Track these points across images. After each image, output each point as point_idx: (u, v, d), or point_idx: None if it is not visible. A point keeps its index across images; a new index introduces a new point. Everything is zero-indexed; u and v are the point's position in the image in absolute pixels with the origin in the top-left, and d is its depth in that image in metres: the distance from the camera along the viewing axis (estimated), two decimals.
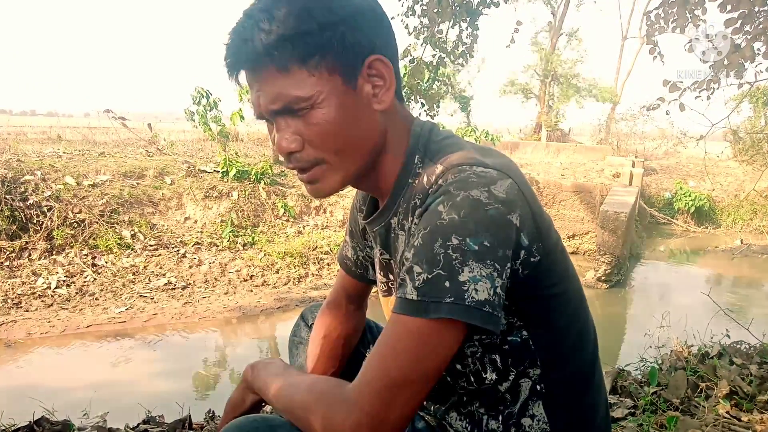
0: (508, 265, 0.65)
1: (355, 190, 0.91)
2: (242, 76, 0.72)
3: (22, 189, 5.87)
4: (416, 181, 0.76)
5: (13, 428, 1.66)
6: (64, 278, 5.35)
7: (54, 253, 5.64)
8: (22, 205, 5.72)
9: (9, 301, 4.89)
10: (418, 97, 5.01)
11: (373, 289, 1.06)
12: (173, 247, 6.20)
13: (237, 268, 6.09)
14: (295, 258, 6.38)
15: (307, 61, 0.68)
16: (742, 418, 1.70)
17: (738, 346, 2.37)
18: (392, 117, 0.77)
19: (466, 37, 4.00)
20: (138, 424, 1.80)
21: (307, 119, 0.70)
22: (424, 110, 5.38)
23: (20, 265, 5.39)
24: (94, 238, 5.87)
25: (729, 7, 2.69)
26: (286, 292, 5.76)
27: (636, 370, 2.30)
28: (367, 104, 0.72)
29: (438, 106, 5.43)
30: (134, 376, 3.91)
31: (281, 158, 0.77)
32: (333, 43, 0.68)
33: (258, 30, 0.67)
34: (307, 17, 0.67)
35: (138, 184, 6.75)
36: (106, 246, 5.84)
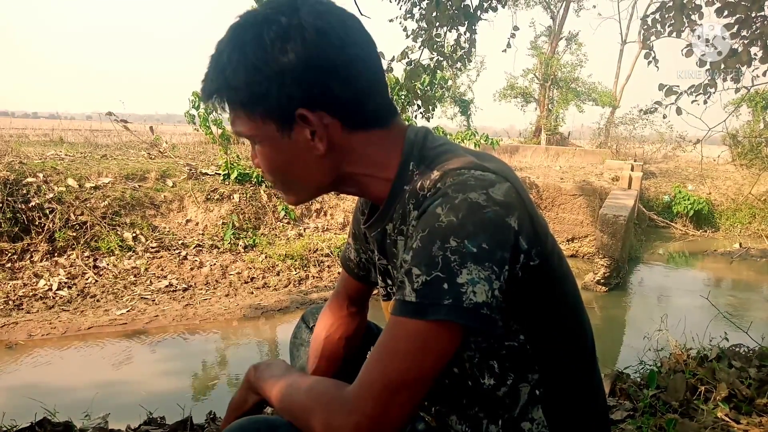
0: (506, 267, 0.66)
1: None
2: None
3: (24, 191, 5.88)
4: (411, 187, 0.76)
5: (14, 429, 1.67)
6: (66, 280, 5.35)
7: (55, 255, 5.64)
8: (24, 207, 5.72)
9: (10, 302, 4.89)
10: (414, 99, 5.02)
11: (374, 291, 1.07)
12: (174, 249, 6.20)
13: (238, 270, 6.10)
14: (295, 260, 6.38)
15: (245, 107, 0.73)
16: (741, 421, 1.71)
17: (737, 349, 2.37)
18: (352, 149, 0.76)
19: (464, 42, 4.01)
20: (139, 426, 1.81)
21: (257, 150, 0.78)
22: (420, 112, 5.40)
23: (22, 267, 5.39)
24: (95, 240, 5.87)
25: (726, 12, 2.71)
26: (286, 294, 5.76)
27: (635, 372, 2.30)
28: (306, 149, 0.74)
29: (434, 109, 5.44)
30: (135, 378, 3.91)
31: None
32: (258, 99, 0.71)
33: (210, 72, 0.74)
34: (238, 73, 0.71)
35: (140, 186, 6.75)
36: (108, 248, 5.84)
